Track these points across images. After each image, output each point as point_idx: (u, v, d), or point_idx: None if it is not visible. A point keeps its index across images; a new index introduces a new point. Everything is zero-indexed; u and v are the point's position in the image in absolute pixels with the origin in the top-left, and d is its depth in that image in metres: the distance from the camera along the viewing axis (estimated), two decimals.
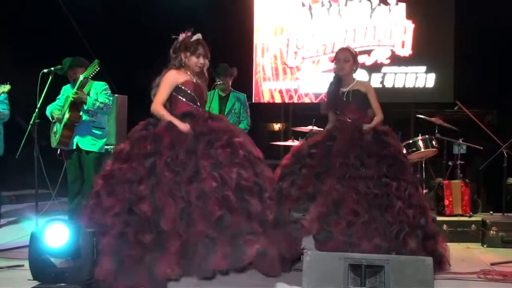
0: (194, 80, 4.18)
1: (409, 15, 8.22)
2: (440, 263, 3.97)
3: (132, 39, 8.19)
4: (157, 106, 4.00)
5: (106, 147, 5.56)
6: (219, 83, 5.85)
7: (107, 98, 5.31)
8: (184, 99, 4.09)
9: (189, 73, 4.18)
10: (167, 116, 3.94)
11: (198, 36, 4.20)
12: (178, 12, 8.13)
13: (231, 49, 8.38)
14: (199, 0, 8.39)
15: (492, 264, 4.46)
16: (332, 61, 4.60)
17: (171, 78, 4.09)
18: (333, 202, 3.93)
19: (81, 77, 5.10)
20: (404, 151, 5.87)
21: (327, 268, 3.29)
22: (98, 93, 5.31)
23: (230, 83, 6.30)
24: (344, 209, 3.89)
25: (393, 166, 4.09)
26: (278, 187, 4.17)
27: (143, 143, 3.81)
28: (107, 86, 5.42)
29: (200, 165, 3.68)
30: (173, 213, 3.52)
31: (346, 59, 4.47)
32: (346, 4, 8.36)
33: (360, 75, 7.85)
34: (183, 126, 3.89)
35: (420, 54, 8.20)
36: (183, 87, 4.10)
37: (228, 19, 8.35)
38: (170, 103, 4.12)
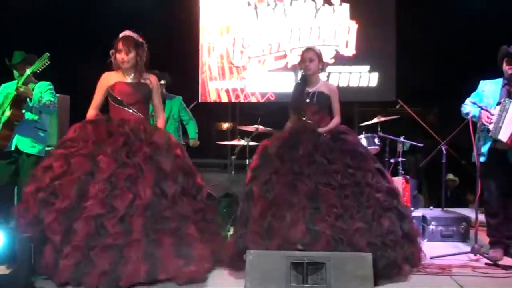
0: (126, 80, 4.19)
1: (352, 16, 8.37)
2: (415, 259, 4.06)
3: (75, 40, 8.01)
4: (89, 110, 4.15)
5: (47, 148, 5.29)
6: (162, 82, 5.78)
7: (53, 97, 5.05)
8: (114, 103, 4.16)
9: (121, 72, 4.19)
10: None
11: (124, 33, 4.24)
12: (123, 12, 8.00)
13: (177, 49, 8.33)
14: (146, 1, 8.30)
15: (431, 258, 4.59)
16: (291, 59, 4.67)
17: (101, 82, 4.22)
18: (311, 201, 3.94)
19: (28, 71, 4.77)
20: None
21: (270, 266, 3.32)
22: (43, 92, 5.01)
23: (164, 89, 6.20)
24: (324, 205, 3.90)
25: (355, 158, 4.16)
26: (248, 189, 4.20)
27: (70, 144, 3.91)
28: (52, 86, 5.15)
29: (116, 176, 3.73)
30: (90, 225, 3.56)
31: (311, 59, 4.49)
32: (291, 4, 8.44)
33: None
34: None
35: (364, 54, 8.36)
36: (110, 91, 4.18)
37: (173, 18, 8.28)
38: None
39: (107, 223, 3.55)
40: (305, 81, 4.57)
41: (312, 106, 4.48)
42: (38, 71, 4.84)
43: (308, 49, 4.61)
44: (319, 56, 4.53)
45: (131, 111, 4.17)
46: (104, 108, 4.24)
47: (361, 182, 4.03)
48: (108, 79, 4.22)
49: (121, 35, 4.25)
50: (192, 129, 6.28)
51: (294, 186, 3.99)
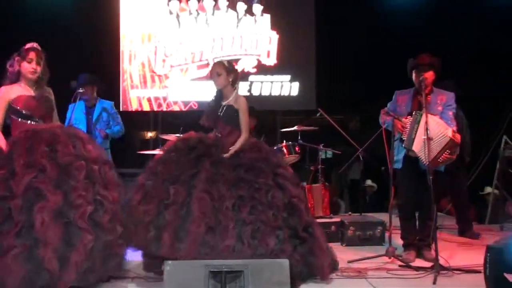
0: (30, 93, 4.07)
1: (273, 26, 8.50)
2: (320, 271, 4.09)
3: None
4: None
5: None
6: (80, 91, 5.63)
7: None
8: (19, 119, 3.99)
9: (23, 85, 4.05)
10: None
11: (33, 44, 4.13)
12: (42, 18, 7.75)
13: (97, 56, 8.13)
14: (63, 5, 8.06)
15: (349, 262, 4.73)
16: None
17: (0, 96, 4.01)
18: (183, 211, 3.98)
19: None
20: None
21: (188, 276, 3.29)
22: None
23: (95, 93, 6.09)
24: (193, 215, 3.92)
25: (250, 171, 4.19)
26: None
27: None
28: None
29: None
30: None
31: (218, 74, 4.51)
32: (213, 14, 8.46)
33: None
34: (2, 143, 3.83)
35: (285, 64, 8.51)
36: (13, 105, 4.00)
37: (93, 25, 8.08)
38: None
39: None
40: (220, 95, 4.60)
41: (221, 120, 4.51)
42: None
43: (216, 64, 4.65)
44: (227, 69, 4.52)
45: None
46: None
47: (247, 197, 4.05)
48: (8, 93, 4.04)
49: (33, 45, 4.13)
50: (115, 130, 6.16)
51: (171, 187, 4.05)
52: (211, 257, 3.65)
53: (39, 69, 4.10)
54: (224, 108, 4.51)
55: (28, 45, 4.12)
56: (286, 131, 6.89)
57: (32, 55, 4.08)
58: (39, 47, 4.16)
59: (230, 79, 4.55)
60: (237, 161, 4.27)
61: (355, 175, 9.17)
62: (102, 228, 3.68)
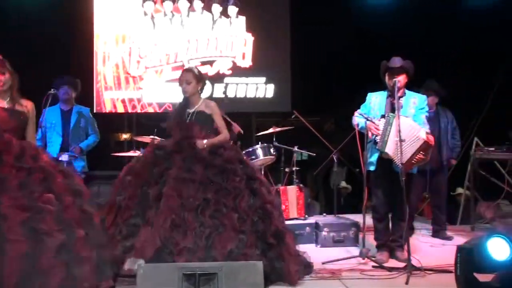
0: (2, 105, 3.99)
1: (248, 28, 8.51)
2: (287, 277, 4.08)
3: None
4: None
5: None
6: (52, 92, 5.55)
7: None
8: None
9: None
10: None
11: None
12: (16, 18, 7.63)
13: (71, 57, 8.02)
14: (36, 5, 7.93)
15: (323, 263, 4.75)
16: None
17: None
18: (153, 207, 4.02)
19: None
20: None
21: (161, 279, 3.28)
22: None
23: (74, 96, 6.00)
24: (161, 210, 3.96)
25: (221, 174, 4.21)
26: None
27: None
28: None
29: None
30: None
31: (188, 82, 4.54)
32: (188, 15, 8.43)
33: None
34: None
35: (260, 66, 8.53)
36: None
37: (66, 26, 7.97)
38: None
39: None
40: (186, 102, 4.62)
41: (194, 125, 4.50)
42: None
43: (186, 71, 4.68)
44: (197, 77, 4.57)
45: None
46: None
47: (213, 199, 4.08)
48: None
49: None
50: (91, 141, 6.09)
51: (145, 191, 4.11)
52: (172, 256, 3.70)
53: (2, 77, 4.00)
54: (194, 114, 4.53)
55: None
56: (261, 133, 6.87)
57: None
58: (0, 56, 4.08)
59: (199, 88, 4.61)
60: (211, 160, 4.27)
61: (338, 180, 9.18)
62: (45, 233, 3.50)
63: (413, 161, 4.65)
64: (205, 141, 4.38)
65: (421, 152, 4.64)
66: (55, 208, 3.55)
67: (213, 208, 4.04)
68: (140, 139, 6.66)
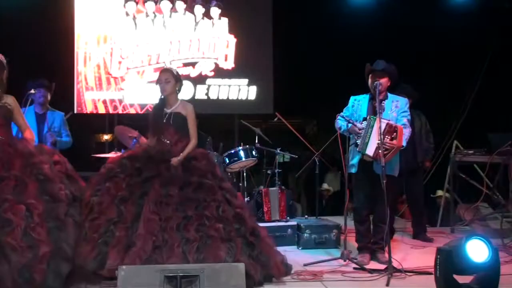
0: None
1: (231, 30, 8.50)
2: (275, 268, 4.17)
3: None
4: None
5: None
6: (32, 92, 5.48)
7: None
8: None
9: None
10: None
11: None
12: None
13: (51, 57, 7.94)
14: (17, 5, 7.83)
15: (305, 265, 4.77)
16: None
17: None
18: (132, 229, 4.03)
19: None
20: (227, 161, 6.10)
21: (143, 281, 3.26)
22: None
23: (49, 99, 5.92)
24: (140, 233, 3.98)
25: (199, 190, 4.26)
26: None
27: None
28: None
29: None
30: None
31: (167, 80, 4.53)
32: (170, 16, 8.39)
33: (185, 86, 8.01)
34: None
35: (242, 68, 8.52)
36: None
37: (47, 25, 7.89)
38: None
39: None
40: (163, 102, 4.61)
41: (170, 127, 4.51)
42: None
43: (165, 70, 4.69)
44: (175, 77, 4.59)
45: None
46: None
47: (194, 215, 4.12)
48: None
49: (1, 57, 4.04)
50: (64, 140, 6.02)
51: (121, 206, 4.10)
52: None
53: None
54: (172, 115, 4.52)
55: None
56: (245, 133, 6.88)
57: None
58: (4, 59, 4.10)
59: (177, 88, 4.62)
60: (186, 178, 4.31)
61: (312, 179, 9.23)
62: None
63: (385, 148, 4.57)
64: (179, 157, 4.39)
65: (387, 136, 4.63)
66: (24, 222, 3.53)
67: (196, 223, 4.08)
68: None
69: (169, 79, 4.53)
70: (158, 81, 4.59)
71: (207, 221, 4.09)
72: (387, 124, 4.64)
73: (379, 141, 4.55)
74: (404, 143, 4.77)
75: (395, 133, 4.65)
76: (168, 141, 4.47)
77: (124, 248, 3.94)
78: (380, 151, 4.52)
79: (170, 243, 3.95)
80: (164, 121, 4.51)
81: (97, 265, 3.91)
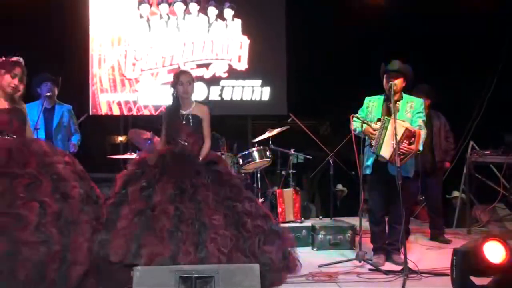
0: (5, 106, 4.00)
1: (244, 31, 8.50)
2: (290, 266, 4.23)
3: None
4: None
5: None
6: (48, 94, 5.54)
7: None
8: None
9: None
10: None
11: (18, 58, 4.09)
12: (10, 20, 7.59)
13: (66, 59, 8.00)
14: (31, 7, 7.90)
15: (320, 266, 4.76)
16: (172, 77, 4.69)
17: None
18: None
19: None
20: (241, 162, 6.11)
21: (158, 282, 3.26)
22: None
23: (56, 93, 5.97)
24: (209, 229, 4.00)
25: (233, 189, 4.30)
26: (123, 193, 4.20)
27: None
28: None
29: None
30: None
31: (189, 82, 4.57)
32: (184, 18, 8.42)
33: (199, 88, 8.03)
34: None
35: (256, 68, 8.51)
36: None
37: (62, 28, 7.95)
38: None
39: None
40: (178, 103, 4.63)
41: (187, 128, 4.52)
42: None
43: (185, 72, 4.72)
44: (194, 79, 4.67)
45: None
46: None
47: (240, 212, 4.18)
48: None
49: (19, 59, 4.09)
50: (76, 138, 6.08)
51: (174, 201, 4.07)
52: None
53: (21, 87, 4.08)
54: (190, 117, 4.53)
55: (14, 59, 4.07)
56: (259, 134, 6.86)
57: (18, 70, 4.04)
58: (23, 63, 4.12)
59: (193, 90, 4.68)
60: (219, 177, 4.35)
61: (326, 180, 9.20)
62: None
63: (400, 152, 4.54)
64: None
65: (405, 141, 4.60)
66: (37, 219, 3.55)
67: (248, 220, 4.16)
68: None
69: (191, 81, 4.59)
70: (178, 83, 4.57)
71: (248, 217, 4.16)
72: (406, 129, 4.60)
73: (394, 142, 4.51)
74: (420, 147, 4.75)
75: (413, 138, 4.63)
76: (186, 142, 4.48)
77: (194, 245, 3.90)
78: (396, 154, 4.48)
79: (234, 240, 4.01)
80: (188, 123, 4.53)
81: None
